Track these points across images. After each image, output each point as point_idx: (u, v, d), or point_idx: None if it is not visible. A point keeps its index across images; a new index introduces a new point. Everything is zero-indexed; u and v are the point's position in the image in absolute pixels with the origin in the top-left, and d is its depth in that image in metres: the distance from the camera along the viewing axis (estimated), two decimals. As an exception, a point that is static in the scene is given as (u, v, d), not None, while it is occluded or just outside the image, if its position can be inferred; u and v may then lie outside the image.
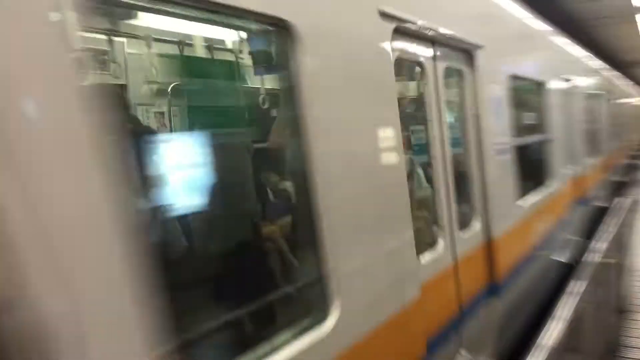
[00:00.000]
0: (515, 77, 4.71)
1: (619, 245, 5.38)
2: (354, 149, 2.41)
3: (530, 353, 2.21)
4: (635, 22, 12.83)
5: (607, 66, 13.58)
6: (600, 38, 15.83)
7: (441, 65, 3.46)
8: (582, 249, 6.34)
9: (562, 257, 5.94)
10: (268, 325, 2.21)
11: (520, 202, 4.59)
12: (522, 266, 4.44)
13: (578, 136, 7.68)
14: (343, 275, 2.18)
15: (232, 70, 3.95)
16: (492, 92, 4.26)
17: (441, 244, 3.23)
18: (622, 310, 5.51)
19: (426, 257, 3.05)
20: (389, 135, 2.67)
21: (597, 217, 8.00)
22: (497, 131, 4.26)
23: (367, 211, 2.44)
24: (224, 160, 2.83)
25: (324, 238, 2.13)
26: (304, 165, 2.13)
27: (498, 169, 4.13)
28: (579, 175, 7.47)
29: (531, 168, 5.32)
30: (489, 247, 3.79)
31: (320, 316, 2.11)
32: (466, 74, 3.83)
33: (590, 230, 7.17)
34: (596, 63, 10.87)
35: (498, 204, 3.97)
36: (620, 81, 16.55)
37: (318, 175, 2.13)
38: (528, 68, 5.50)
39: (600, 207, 9.23)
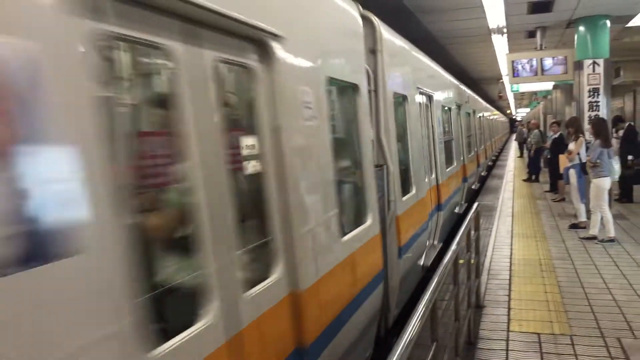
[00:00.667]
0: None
1: (473, 246, 5.84)
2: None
3: (396, 345, 2.37)
4: (491, 41, 13.88)
5: (461, 82, 14.77)
6: (459, 56, 16.99)
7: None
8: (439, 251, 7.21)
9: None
10: None
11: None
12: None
13: (437, 146, 8.60)
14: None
15: None
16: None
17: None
18: (479, 306, 6.00)
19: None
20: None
21: (455, 221, 8.99)
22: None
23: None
24: None
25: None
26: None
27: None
28: (439, 183, 8.37)
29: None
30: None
31: None
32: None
33: (449, 234, 8.28)
34: (453, 79, 12.14)
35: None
36: (475, 96, 18.88)
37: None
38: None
39: (458, 213, 10.35)
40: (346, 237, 3.94)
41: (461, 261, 4.69)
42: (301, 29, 3.46)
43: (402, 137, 6.35)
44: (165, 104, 2.32)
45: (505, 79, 20.41)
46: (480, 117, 19.70)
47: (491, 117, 27.64)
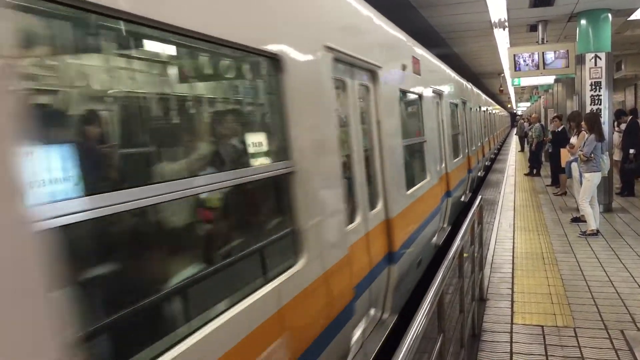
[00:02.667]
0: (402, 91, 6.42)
1: (477, 240, 5.86)
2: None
3: (404, 337, 2.39)
4: (492, 35, 13.86)
5: (462, 77, 14.83)
6: (460, 50, 16.97)
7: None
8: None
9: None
10: None
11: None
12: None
13: (445, 139, 9.88)
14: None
15: None
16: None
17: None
18: (482, 299, 6.03)
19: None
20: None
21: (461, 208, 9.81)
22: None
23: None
24: None
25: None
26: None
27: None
28: (449, 171, 9.88)
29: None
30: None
31: None
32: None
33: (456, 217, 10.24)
34: (457, 75, 12.73)
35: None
36: (477, 90, 19.58)
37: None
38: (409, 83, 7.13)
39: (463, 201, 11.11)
40: (417, 186, 6.74)
41: (465, 255, 4.71)
42: (389, 61, 5.86)
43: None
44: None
45: (507, 73, 20.39)
46: (484, 111, 21.08)
47: (493, 112, 28.08)
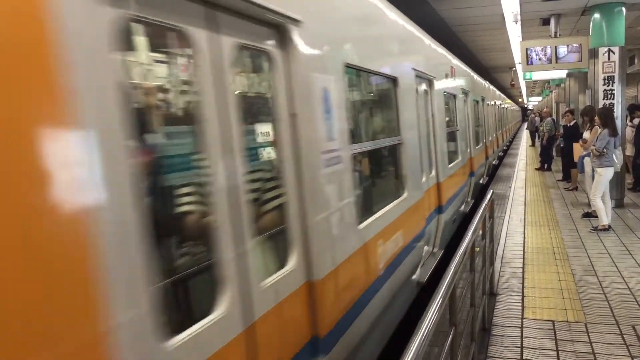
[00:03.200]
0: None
1: (488, 234, 5.85)
2: None
3: (417, 328, 2.40)
4: (504, 29, 13.77)
5: (473, 71, 14.80)
6: (472, 44, 16.88)
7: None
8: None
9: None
10: None
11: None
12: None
13: (470, 129, 11.66)
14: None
15: None
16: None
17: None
18: (492, 293, 6.02)
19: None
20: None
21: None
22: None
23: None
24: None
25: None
26: None
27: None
28: (473, 155, 11.68)
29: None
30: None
31: None
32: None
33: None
34: (478, 76, 13.85)
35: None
36: (493, 88, 20.65)
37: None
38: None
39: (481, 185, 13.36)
40: (453, 162, 8.61)
41: (477, 249, 4.70)
42: (439, 72, 7.78)
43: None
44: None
45: (518, 67, 20.27)
46: (499, 106, 23.29)
47: (505, 106, 28.46)
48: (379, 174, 5.63)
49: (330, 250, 3.38)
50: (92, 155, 1.67)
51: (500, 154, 21.45)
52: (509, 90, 40.63)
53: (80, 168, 1.64)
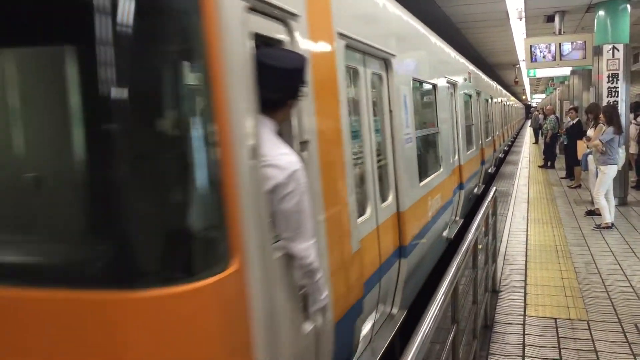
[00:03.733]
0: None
1: (491, 231, 5.84)
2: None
3: (419, 325, 2.39)
4: (508, 26, 13.75)
5: (478, 68, 14.81)
6: (475, 40, 16.84)
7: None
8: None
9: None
10: None
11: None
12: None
13: (481, 124, 13.17)
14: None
15: None
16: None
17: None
18: (494, 290, 6.01)
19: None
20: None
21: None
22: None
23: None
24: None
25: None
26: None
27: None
28: (484, 147, 12.94)
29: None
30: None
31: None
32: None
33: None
34: (487, 77, 14.89)
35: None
36: (499, 87, 21.31)
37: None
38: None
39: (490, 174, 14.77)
40: (469, 151, 10.02)
41: (479, 246, 4.70)
42: (460, 78, 9.12)
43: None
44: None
45: (522, 64, 20.22)
46: (504, 104, 24.65)
47: (510, 104, 28.92)
48: (427, 152, 6.87)
49: (407, 195, 5.03)
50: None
51: (505, 148, 23.70)
52: (513, 88, 40.57)
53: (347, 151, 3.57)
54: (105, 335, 1.87)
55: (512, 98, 37.02)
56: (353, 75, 4.09)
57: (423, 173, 5.97)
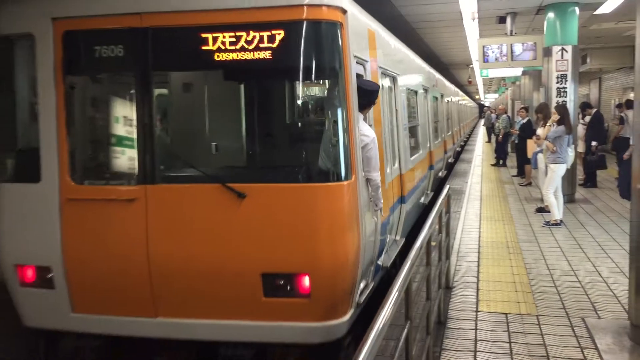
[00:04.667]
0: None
1: (444, 229, 5.93)
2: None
3: (372, 322, 2.40)
4: (462, 26, 13.95)
5: (432, 67, 15.03)
6: (431, 40, 17.05)
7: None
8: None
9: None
10: None
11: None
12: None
13: (446, 120, 16.09)
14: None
15: None
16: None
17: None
18: (448, 287, 6.11)
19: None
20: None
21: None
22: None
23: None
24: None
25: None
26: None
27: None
28: (446, 139, 15.11)
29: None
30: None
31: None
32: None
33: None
34: (450, 83, 16.48)
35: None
36: (457, 89, 26.18)
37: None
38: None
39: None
40: (437, 141, 12.38)
41: (433, 243, 4.76)
42: (430, 84, 11.58)
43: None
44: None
45: (475, 65, 20.59)
46: (461, 104, 27.57)
47: (465, 104, 30.00)
48: (414, 138, 9.03)
49: (405, 164, 7.22)
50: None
51: (461, 144, 25.82)
52: (467, 87, 41.31)
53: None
54: (311, 201, 4.13)
55: (467, 97, 37.74)
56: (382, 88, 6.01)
57: (412, 152, 8.23)
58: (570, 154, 9.32)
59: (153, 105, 4.32)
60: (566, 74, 11.11)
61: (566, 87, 11.11)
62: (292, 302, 4.13)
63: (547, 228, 8.94)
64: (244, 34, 4.03)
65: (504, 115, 19.17)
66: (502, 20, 13.13)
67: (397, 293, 2.84)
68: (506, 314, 5.38)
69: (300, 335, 4.18)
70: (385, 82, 6.35)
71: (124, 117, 4.68)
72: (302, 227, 4.06)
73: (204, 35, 4.08)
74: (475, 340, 4.81)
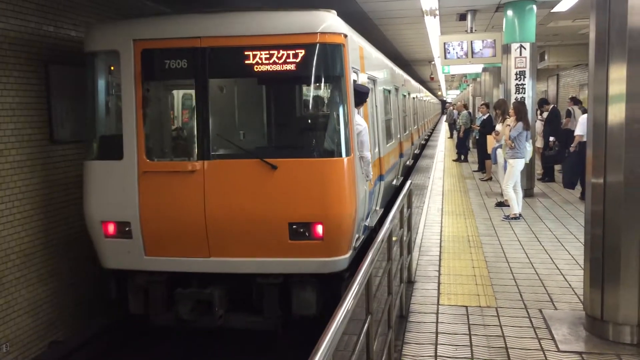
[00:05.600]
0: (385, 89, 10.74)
1: (406, 224, 5.98)
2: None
3: (333, 316, 2.40)
4: (424, 23, 14.05)
5: (395, 64, 15.15)
6: (393, 36, 17.15)
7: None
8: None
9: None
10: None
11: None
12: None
13: (413, 114, 18.03)
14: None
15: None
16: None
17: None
18: (410, 281, 6.17)
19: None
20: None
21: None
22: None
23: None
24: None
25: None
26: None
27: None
28: (412, 131, 16.89)
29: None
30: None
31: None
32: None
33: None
34: (416, 83, 17.57)
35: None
36: (422, 87, 27.99)
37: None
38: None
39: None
40: (406, 132, 14.39)
41: (394, 238, 4.79)
42: (400, 83, 13.49)
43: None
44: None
45: (437, 61, 20.82)
46: (426, 100, 29.60)
47: (429, 100, 30.81)
48: (387, 129, 10.08)
49: (383, 149, 8.81)
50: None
51: (425, 138, 28.00)
52: (429, 83, 41.73)
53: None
54: (322, 171, 5.68)
55: (429, 94, 38.18)
56: None
57: (387, 140, 9.70)
58: (529, 149, 9.52)
59: (208, 103, 5.87)
60: (524, 71, 11.32)
61: (524, 84, 11.33)
62: (310, 243, 5.70)
63: (507, 222, 9.11)
64: (275, 52, 5.60)
65: (465, 112, 19.45)
66: (462, 17, 13.29)
67: (357, 286, 2.85)
68: (466, 306, 5.47)
69: (315, 267, 5.77)
70: (369, 85, 7.75)
71: (186, 111, 7.19)
72: (316, 190, 5.63)
73: (246, 53, 5.66)
74: (437, 333, 4.87)
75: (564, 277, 6.30)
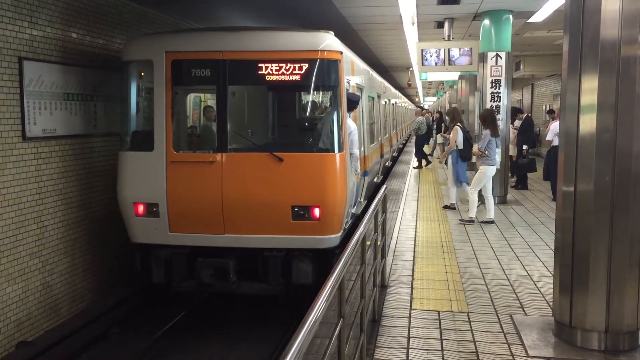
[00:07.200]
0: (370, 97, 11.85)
1: (380, 228, 6.01)
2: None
3: (304, 319, 2.40)
4: (402, 30, 14.14)
5: (374, 69, 15.27)
6: (372, 42, 17.22)
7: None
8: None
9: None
10: None
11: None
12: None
13: (392, 120, 19.23)
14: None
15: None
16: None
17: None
18: (383, 285, 6.20)
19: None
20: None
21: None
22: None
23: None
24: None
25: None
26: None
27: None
28: (392, 135, 18.16)
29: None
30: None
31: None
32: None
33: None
34: (396, 90, 18.63)
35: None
36: (401, 94, 29.86)
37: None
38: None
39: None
40: (386, 135, 15.82)
41: (368, 242, 4.81)
42: (382, 91, 14.93)
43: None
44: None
45: (415, 68, 20.96)
46: (404, 107, 31.66)
47: (407, 106, 32.24)
48: (371, 132, 11.19)
49: (367, 148, 9.73)
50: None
51: (402, 142, 30.08)
52: (407, 90, 41.97)
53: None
54: (320, 163, 6.84)
55: (407, 100, 38.50)
56: None
57: (371, 141, 10.75)
58: (497, 156, 9.68)
59: (227, 105, 6.92)
60: (500, 80, 11.47)
61: (500, 92, 11.48)
62: (309, 223, 6.70)
63: (480, 228, 9.22)
64: (284, 65, 6.66)
65: (420, 118, 19.88)
66: (440, 25, 13.40)
67: (329, 289, 2.86)
68: (439, 311, 5.51)
69: (313, 243, 6.78)
70: (357, 93, 8.66)
71: (208, 112, 8.34)
72: (315, 179, 6.69)
73: (260, 65, 6.69)
74: (409, 337, 4.90)
75: (534, 283, 6.39)
